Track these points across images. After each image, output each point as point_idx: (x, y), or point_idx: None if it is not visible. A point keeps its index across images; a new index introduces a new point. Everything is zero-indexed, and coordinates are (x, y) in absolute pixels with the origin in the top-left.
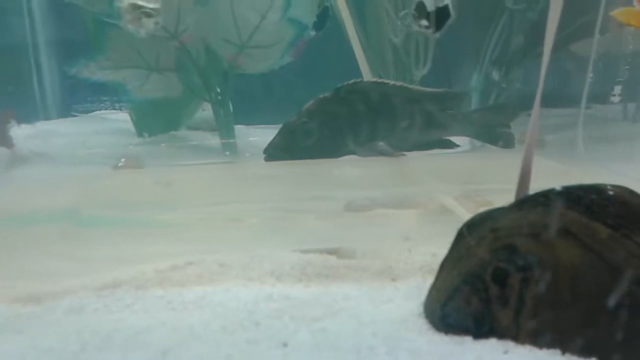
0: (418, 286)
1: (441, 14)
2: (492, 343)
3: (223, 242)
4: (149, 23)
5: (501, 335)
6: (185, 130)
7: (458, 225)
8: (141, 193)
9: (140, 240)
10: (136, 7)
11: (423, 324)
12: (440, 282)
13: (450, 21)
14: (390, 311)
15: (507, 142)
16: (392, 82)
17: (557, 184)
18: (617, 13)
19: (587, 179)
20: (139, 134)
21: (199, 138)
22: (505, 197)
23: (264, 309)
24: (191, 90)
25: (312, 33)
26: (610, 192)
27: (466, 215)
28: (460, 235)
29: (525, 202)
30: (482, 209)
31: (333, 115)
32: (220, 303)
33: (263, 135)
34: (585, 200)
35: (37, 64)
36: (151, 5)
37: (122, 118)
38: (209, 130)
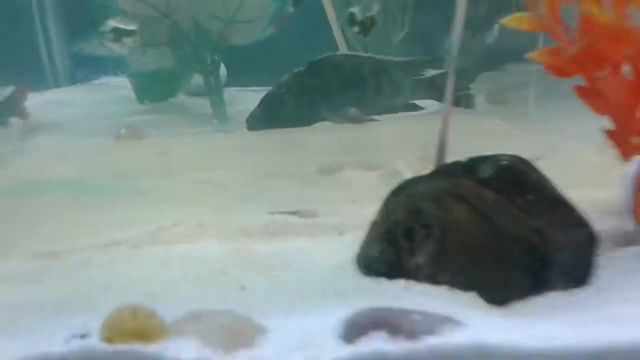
0: (360, 239)
1: (369, 22)
2: (400, 283)
3: (206, 206)
4: (129, 41)
5: (407, 277)
6: (184, 96)
7: None
8: (139, 163)
9: (137, 206)
10: (118, 30)
11: (355, 270)
12: (368, 237)
13: (376, 26)
14: (334, 260)
15: (468, 103)
16: (362, 54)
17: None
18: (507, 21)
19: (525, 140)
20: (140, 101)
21: (194, 104)
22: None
23: (233, 262)
24: (183, 61)
25: (291, 9)
26: (503, 162)
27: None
28: (387, 199)
29: (437, 172)
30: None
31: (307, 86)
32: (198, 257)
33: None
34: (481, 169)
35: (46, 38)
36: (130, 27)
37: (124, 85)
38: (204, 95)
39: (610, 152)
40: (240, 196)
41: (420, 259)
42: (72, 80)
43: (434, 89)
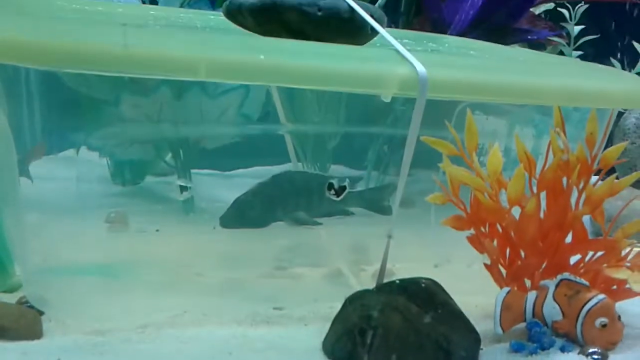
0: (321, 329)
1: (342, 188)
2: None
3: (202, 295)
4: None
5: None
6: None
7: (346, 288)
8: (140, 253)
9: (151, 293)
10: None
11: (322, 354)
12: (332, 331)
13: (346, 192)
14: (304, 346)
15: (386, 212)
16: (310, 171)
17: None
18: (431, 198)
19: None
20: (114, 181)
21: (163, 189)
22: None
23: (233, 344)
24: (162, 159)
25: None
26: (422, 284)
27: (353, 280)
28: (345, 304)
29: (380, 289)
30: (362, 273)
31: (269, 195)
32: (207, 339)
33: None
34: (409, 289)
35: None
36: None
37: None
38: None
39: None
40: (225, 288)
41: (369, 350)
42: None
43: (363, 200)
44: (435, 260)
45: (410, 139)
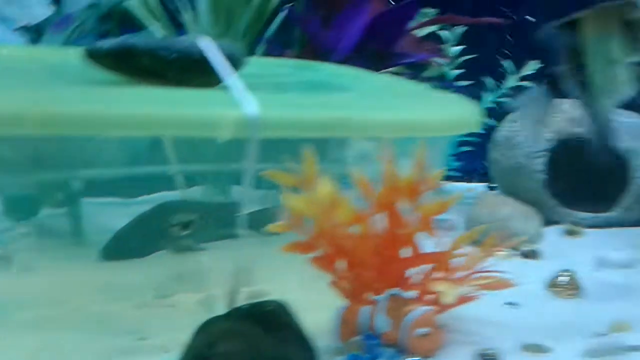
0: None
1: (188, 222)
2: None
3: (69, 332)
4: None
5: None
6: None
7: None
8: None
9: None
10: None
11: None
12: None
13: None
14: None
15: (271, 233)
16: (194, 200)
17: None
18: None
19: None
20: (8, 218)
21: (54, 223)
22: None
23: None
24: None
25: None
26: (269, 307)
27: (222, 305)
28: (196, 332)
29: (229, 314)
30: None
31: (150, 224)
32: None
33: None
34: (255, 313)
35: None
36: None
37: None
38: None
39: None
40: (96, 322)
41: None
42: None
43: (250, 222)
44: (301, 278)
45: (247, 177)
